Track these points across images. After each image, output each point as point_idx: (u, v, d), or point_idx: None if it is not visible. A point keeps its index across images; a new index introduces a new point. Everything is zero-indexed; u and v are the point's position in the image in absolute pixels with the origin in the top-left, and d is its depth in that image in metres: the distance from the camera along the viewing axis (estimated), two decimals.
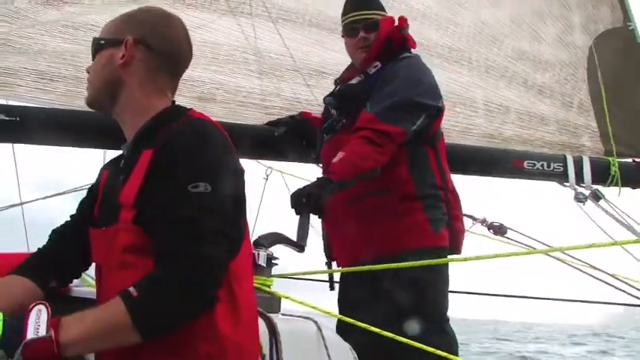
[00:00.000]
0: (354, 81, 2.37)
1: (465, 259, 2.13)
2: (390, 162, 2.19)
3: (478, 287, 3.35)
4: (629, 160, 2.99)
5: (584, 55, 3.04)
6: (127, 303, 1.14)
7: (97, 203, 1.41)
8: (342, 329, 2.11)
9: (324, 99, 2.48)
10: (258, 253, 1.79)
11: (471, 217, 2.90)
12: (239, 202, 1.32)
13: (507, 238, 2.87)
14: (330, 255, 2.40)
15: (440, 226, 2.23)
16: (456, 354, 2.29)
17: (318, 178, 2.18)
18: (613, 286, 2.87)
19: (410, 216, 2.22)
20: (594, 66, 2.99)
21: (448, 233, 2.26)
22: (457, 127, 2.88)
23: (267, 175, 3.42)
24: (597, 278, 2.88)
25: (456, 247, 2.30)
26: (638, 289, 3.07)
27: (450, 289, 2.34)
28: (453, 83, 2.94)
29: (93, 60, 1.42)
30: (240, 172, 1.34)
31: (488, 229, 2.89)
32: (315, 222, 2.29)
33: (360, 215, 2.26)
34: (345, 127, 2.30)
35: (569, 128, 2.94)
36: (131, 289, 1.15)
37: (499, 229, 2.86)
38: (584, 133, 2.95)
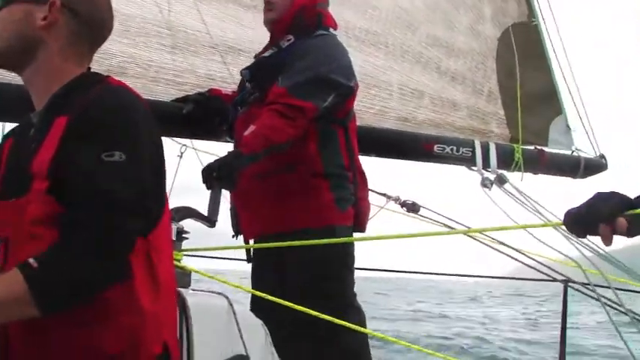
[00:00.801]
0: (267, 54, 2.35)
1: (374, 238, 2.17)
2: (299, 140, 2.19)
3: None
4: (532, 147, 3.15)
5: (494, 46, 3.17)
6: (24, 274, 1.07)
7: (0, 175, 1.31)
8: (256, 305, 2.09)
9: (241, 71, 2.45)
10: None
11: (384, 194, 2.96)
12: (158, 173, 1.27)
13: (421, 215, 2.95)
14: (238, 229, 2.39)
15: (346, 206, 2.27)
16: (364, 324, 2.35)
17: (228, 152, 2.15)
18: (524, 263, 3.01)
19: (317, 194, 2.24)
20: (502, 56, 3.13)
21: (354, 213, 2.30)
22: (372, 109, 2.92)
23: (182, 153, 3.32)
24: (510, 256, 2.99)
25: (360, 227, 2.34)
26: (546, 265, 3.24)
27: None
28: (370, 66, 2.97)
29: None
30: (159, 143, 1.29)
31: (402, 206, 2.97)
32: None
33: (267, 191, 2.26)
34: (257, 100, 2.27)
35: (479, 114, 3.05)
36: (31, 260, 1.08)
37: (412, 207, 2.93)
38: (492, 119, 3.07)
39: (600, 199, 1.30)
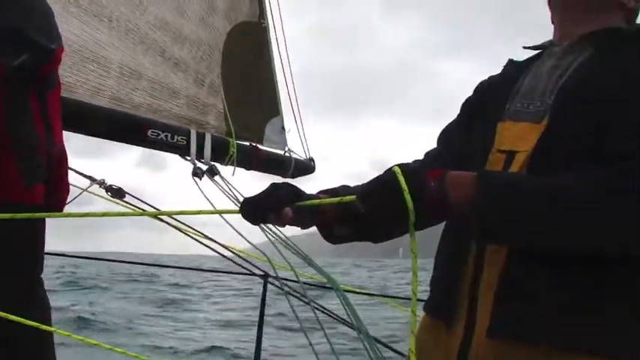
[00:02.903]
0: None
1: (57, 216, 2.03)
2: None
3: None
4: (247, 143, 3.29)
5: (222, 40, 3.23)
6: None
7: None
8: None
9: None
10: None
11: (89, 177, 2.81)
12: None
13: (124, 202, 2.87)
14: None
15: (34, 182, 2.08)
16: (49, 320, 2.18)
17: None
18: (223, 255, 3.11)
19: (1, 167, 2.02)
20: (228, 51, 3.20)
21: (46, 191, 2.13)
22: (86, 84, 2.74)
23: None
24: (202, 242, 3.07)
25: (54, 207, 2.18)
26: (246, 259, 3.39)
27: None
28: (89, 38, 2.79)
29: None
30: None
31: (106, 191, 2.85)
32: None
33: None
34: None
35: (198, 105, 3.07)
36: None
37: (117, 193, 2.83)
38: (211, 112, 3.12)
39: (272, 189, 1.39)
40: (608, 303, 1.21)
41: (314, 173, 3.74)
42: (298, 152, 3.59)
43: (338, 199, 1.29)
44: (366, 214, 1.21)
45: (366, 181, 1.30)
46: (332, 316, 3.11)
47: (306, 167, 3.57)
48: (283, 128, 3.47)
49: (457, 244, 1.38)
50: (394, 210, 1.17)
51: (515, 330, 1.23)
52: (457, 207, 1.20)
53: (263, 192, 1.36)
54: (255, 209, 1.34)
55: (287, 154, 3.50)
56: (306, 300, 2.78)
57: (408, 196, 1.15)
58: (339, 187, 1.45)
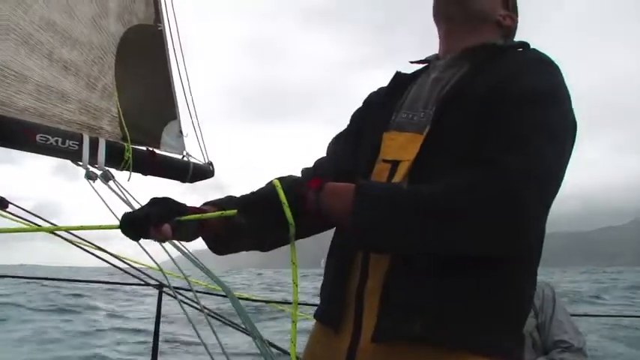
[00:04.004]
0: None
1: None
2: None
3: None
4: (144, 148, 3.22)
5: (115, 42, 3.14)
6: None
7: None
8: None
9: None
10: None
11: None
12: None
13: (8, 212, 2.72)
14: None
15: None
16: None
17: None
18: (114, 265, 3.03)
19: None
20: (122, 55, 3.12)
21: None
22: None
23: None
24: (101, 258, 2.99)
25: None
26: (140, 270, 3.32)
27: None
28: None
29: None
30: None
31: None
32: None
33: None
34: None
35: (91, 110, 2.97)
36: None
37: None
38: (104, 116, 3.03)
39: (153, 204, 1.38)
40: (484, 301, 1.27)
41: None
42: (197, 157, 3.56)
43: (219, 212, 1.29)
44: (247, 226, 1.22)
45: (248, 193, 1.32)
46: (227, 323, 3.12)
47: (204, 172, 3.54)
48: (181, 132, 3.42)
49: (343, 252, 1.43)
50: (274, 222, 1.20)
51: (399, 333, 1.27)
52: (335, 217, 1.24)
53: (143, 207, 1.35)
54: (134, 225, 1.32)
55: (185, 158, 3.46)
56: (198, 307, 2.77)
57: (287, 210, 1.18)
58: (225, 198, 1.46)
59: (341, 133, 1.68)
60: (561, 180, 1.27)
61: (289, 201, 1.20)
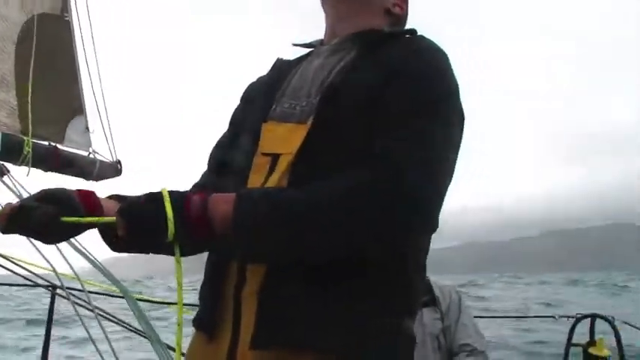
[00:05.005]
0: None
1: None
2: None
3: None
4: (46, 143, 3.06)
5: (17, 31, 2.98)
6: None
7: None
8: None
9: None
10: None
11: None
12: None
13: None
14: None
15: None
16: None
17: None
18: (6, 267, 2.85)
19: None
20: (23, 44, 2.96)
21: None
22: None
23: None
24: None
25: None
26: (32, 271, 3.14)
27: None
28: None
29: None
30: None
31: None
32: None
33: None
34: None
35: None
36: None
37: None
38: (2, 108, 2.86)
39: (41, 198, 1.27)
40: (368, 304, 1.21)
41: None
42: (104, 154, 3.43)
43: (96, 219, 1.20)
44: (125, 237, 1.13)
45: (135, 196, 1.21)
46: (123, 325, 3.03)
47: (112, 169, 3.42)
48: (87, 128, 3.29)
49: (219, 257, 1.34)
50: (155, 238, 1.12)
51: (278, 340, 1.20)
52: (221, 229, 1.15)
53: (25, 201, 1.21)
54: (12, 223, 1.18)
55: (91, 155, 3.32)
56: (90, 308, 2.66)
57: (171, 225, 1.10)
58: (115, 195, 1.35)
59: (221, 139, 1.55)
60: (454, 163, 1.25)
61: (174, 218, 1.12)
